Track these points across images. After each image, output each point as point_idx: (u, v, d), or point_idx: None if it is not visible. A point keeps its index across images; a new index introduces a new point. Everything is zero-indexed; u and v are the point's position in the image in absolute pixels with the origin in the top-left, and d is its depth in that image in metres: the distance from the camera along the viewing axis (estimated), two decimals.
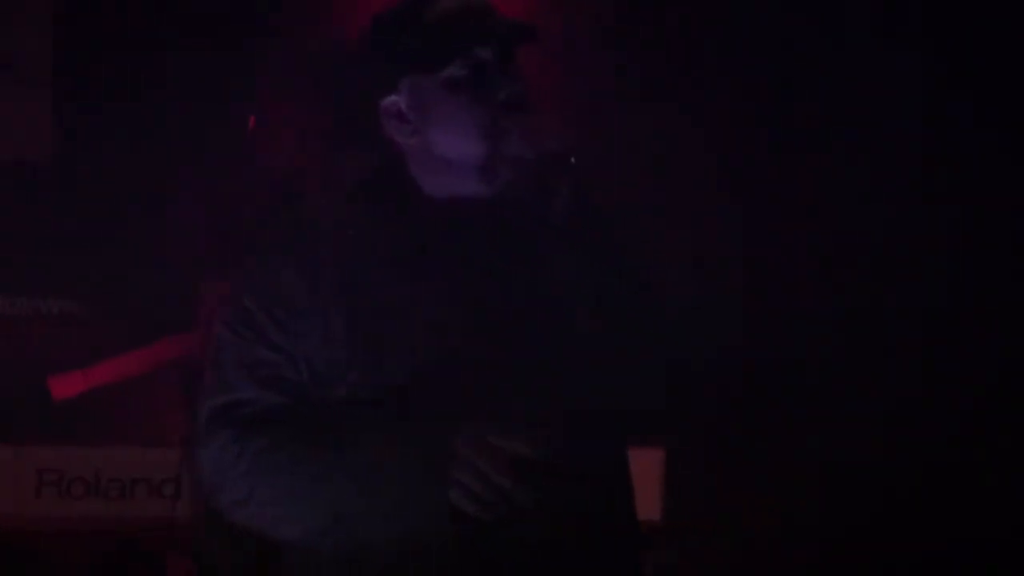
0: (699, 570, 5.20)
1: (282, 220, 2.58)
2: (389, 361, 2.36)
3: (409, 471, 2.29)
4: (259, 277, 2.45)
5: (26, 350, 5.24)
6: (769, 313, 5.48)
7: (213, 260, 4.67)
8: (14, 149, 5.80)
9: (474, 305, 2.39)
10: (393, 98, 2.44)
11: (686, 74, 5.66)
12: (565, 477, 2.32)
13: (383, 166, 2.52)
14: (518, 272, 2.41)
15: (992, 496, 5.28)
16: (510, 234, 2.43)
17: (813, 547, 5.36)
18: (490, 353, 2.37)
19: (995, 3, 5.53)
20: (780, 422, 5.39)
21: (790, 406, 5.42)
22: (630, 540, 2.48)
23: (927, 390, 5.37)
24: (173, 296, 5.07)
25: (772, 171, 5.65)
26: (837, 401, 5.44)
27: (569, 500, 2.35)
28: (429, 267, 2.41)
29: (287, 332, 2.40)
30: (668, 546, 4.90)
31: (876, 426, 5.35)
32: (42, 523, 4.97)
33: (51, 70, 5.79)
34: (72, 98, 5.78)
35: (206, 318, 4.55)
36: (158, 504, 4.89)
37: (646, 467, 4.71)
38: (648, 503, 4.11)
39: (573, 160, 2.38)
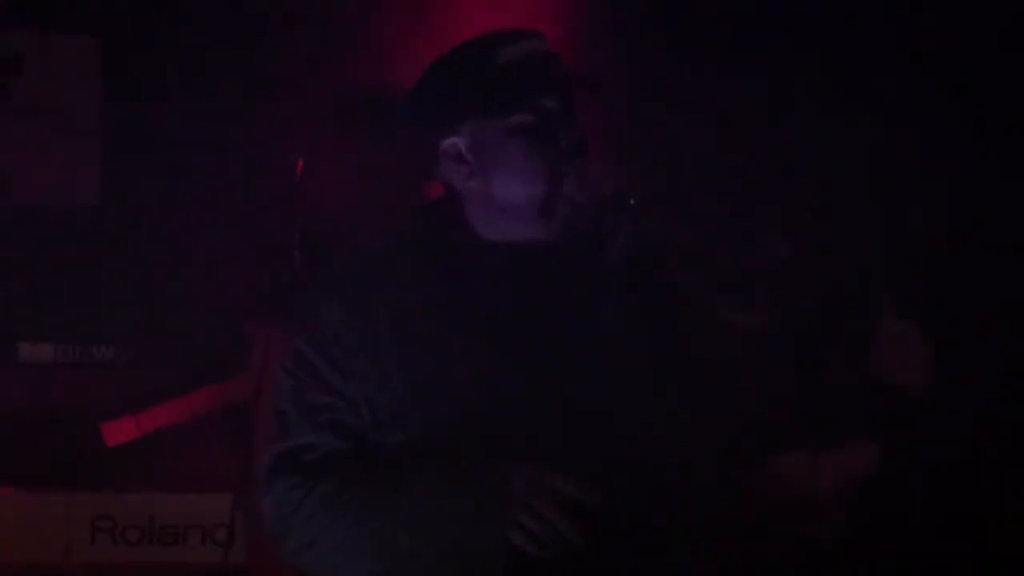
0: None
1: (336, 263, 2.58)
2: (445, 405, 2.37)
3: (468, 512, 2.31)
4: (315, 321, 2.46)
5: (77, 397, 5.25)
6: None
7: (261, 304, 4.68)
8: (62, 196, 5.84)
9: (529, 349, 2.39)
10: (453, 140, 2.46)
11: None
12: (618, 517, 2.33)
13: (437, 209, 2.53)
14: (574, 316, 2.42)
15: None
16: (566, 278, 2.44)
17: None
18: (545, 396, 2.37)
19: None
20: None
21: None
22: None
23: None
24: (223, 340, 5.08)
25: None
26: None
27: (622, 540, 2.35)
28: (484, 312, 2.42)
29: (344, 376, 2.42)
30: None
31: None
32: (96, 570, 4.98)
33: (100, 118, 5.84)
34: (120, 146, 5.81)
35: (256, 362, 4.56)
36: (211, 550, 4.89)
37: None
38: None
39: (632, 202, 2.39)
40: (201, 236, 5.61)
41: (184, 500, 5.04)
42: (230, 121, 5.66)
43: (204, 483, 5.03)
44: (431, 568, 2.33)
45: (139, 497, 5.04)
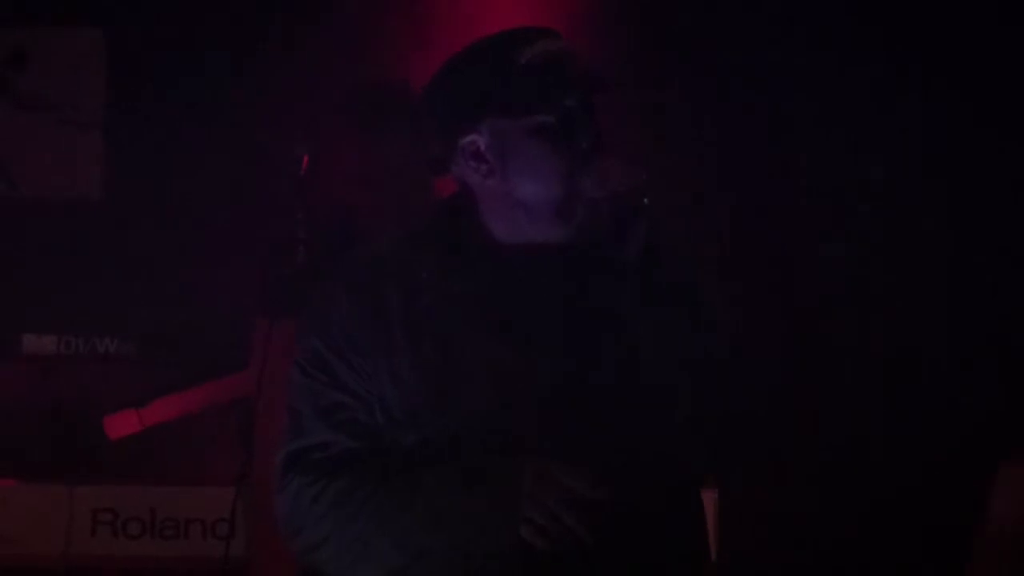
0: None
1: (349, 261, 2.58)
2: (459, 404, 2.39)
3: (480, 509, 2.33)
4: (328, 319, 2.47)
5: (79, 390, 5.25)
6: (816, 351, 5.47)
7: (266, 299, 4.67)
8: (66, 189, 5.85)
9: (543, 348, 2.41)
10: (472, 138, 2.46)
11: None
12: (629, 515, 2.35)
13: (451, 206, 2.54)
14: (589, 315, 2.43)
15: None
16: (581, 277, 2.45)
17: None
18: (559, 394, 2.39)
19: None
20: (832, 461, 5.37)
21: (841, 444, 5.40)
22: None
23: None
24: (226, 335, 5.08)
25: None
26: (891, 441, 5.42)
27: (633, 537, 2.38)
28: (498, 310, 2.43)
29: (358, 374, 2.43)
30: None
31: (934, 468, 5.33)
32: (97, 563, 4.98)
33: (103, 111, 5.84)
34: (123, 138, 5.82)
35: (258, 357, 4.56)
36: (212, 544, 4.89)
37: None
38: None
39: (646, 201, 2.40)
40: (205, 230, 5.62)
41: (185, 493, 5.04)
42: (235, 115, 5.66)
43: (205, 477, 5.03)
44: (444, 565, 2.35)
45: (140, 490, 5.04)
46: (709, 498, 4.99)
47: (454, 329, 2.41)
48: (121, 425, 4.89)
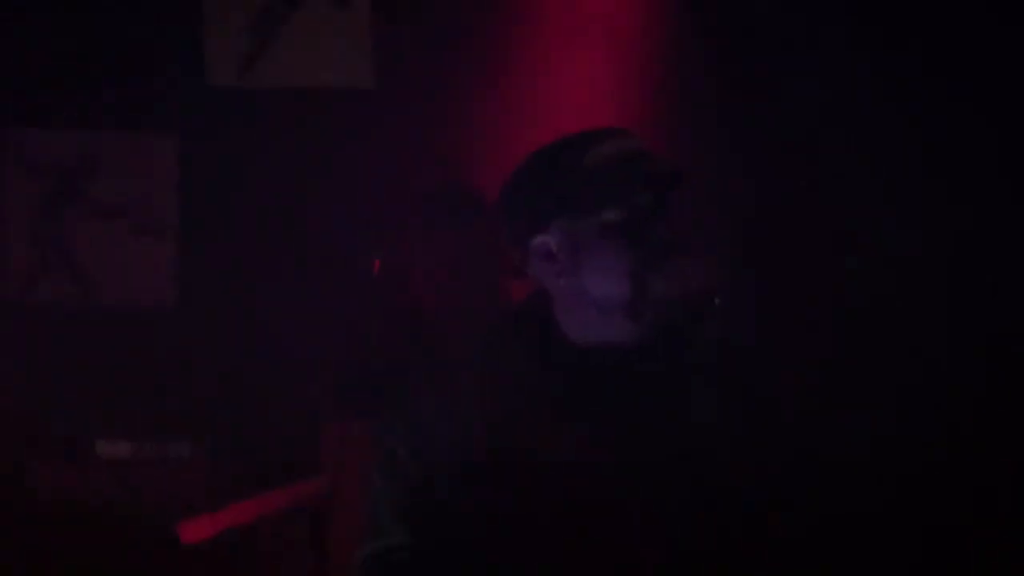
0: None
1: (426, 364, 2.60)
2: (533, 504, 2.38)
3: None
4: (408, 423, 2.48)
5: (152, 494, 5.27)
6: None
7: (338, 402, 4.69)
8: (139, 295, 5.89)
9: (616, 449, 2.40)
10: (543, 238, 2.47)
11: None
12: None
13: (526, 308, 2.54)
14: (661, 416, 2.43)
15: None
16: (654, 377, 2.44)
17: None
18: (636, 497, 2.38)
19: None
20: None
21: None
22: None
23: None
24: (298, 438, 5.09)
25: None
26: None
27: None
28: (573, 412, 2.43)
29: (438, 479, 2.43)
30: None
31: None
32: None
33: (176, 216, 5.88)
34: (195, 247, 5.86)
35: (329, 462, 4.56)
36: None
37: None
38: None
39: (718, 301, 2.39)
40: (278, 334, 5.64)
41: None
42: (307, 219, 5.70)
43: None
44: None
45: None
46: None
47: (528, 427, 2.42)
48: (195, 530, 4.89)
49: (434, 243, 4.70)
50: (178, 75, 5.82)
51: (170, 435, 5.39)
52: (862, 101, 5.61)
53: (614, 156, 2.46)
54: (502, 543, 2.40)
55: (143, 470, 5.34)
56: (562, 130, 2.56)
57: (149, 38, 5.79)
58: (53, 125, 5.91)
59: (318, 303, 5.61)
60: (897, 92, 5.59)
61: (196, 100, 5.83)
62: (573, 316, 2.48)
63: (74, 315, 5.85)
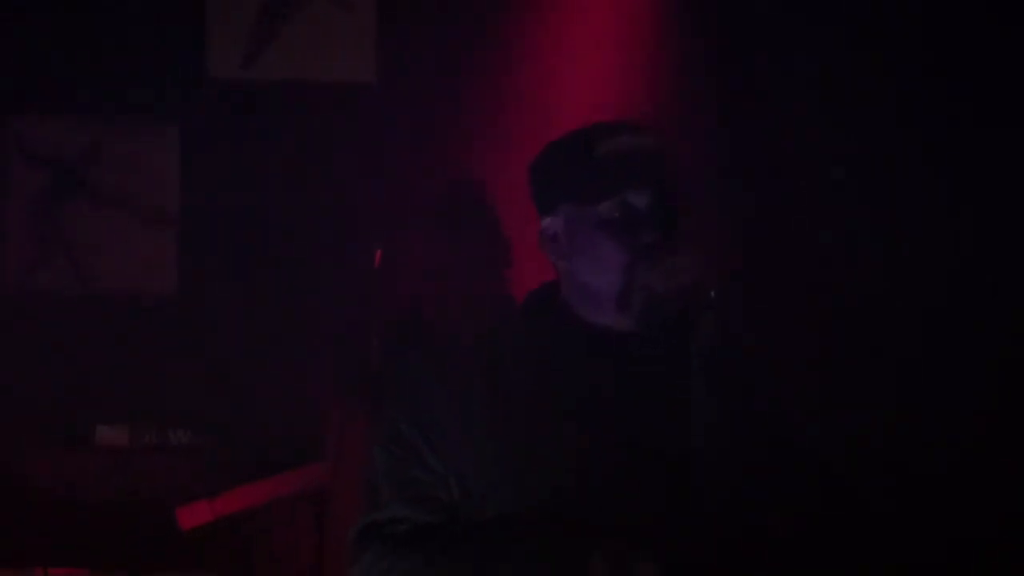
0: None
1: (435, 345, 2.63)
2: (535, 485, 2.42)
3: None
4: (413, 398, 2.52)
5: (151, 481, 5.28)
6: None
7: (338, 390, 4.70)
8: (139, 283, 5.89)
9: (618, 433, 2.45)
10: (551, 219, 2.55)
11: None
12: None
13: (541, 289, 2.61)
14: (657, 404, 2.47)
15: None
16: (651, 366, 2.49)
17: None
18: (633, 479, 2.42)
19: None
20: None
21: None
22: None
23: None
24: (298, 425, 5.10)
25: None
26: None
27: None
28: (575, 393, 2.47)
29: (440, 453, 2.47)
30: None
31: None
32: None
33: (177, 205, 5.89)
34: (196, 237, 5.87)
35: (331, 448, 4.57)
36: None
37: None
38: None
39: (713, 295, 2.42)
40: (278, 322, 5.66)
41: None
42: (308, 210, 5.72)
43: (278, 567, 5.03)
44: None
45: None
46: None
47: (533, 409, 2.46)
48: (193, 515, 4.91)
49: (435, 239, 4.72)
50: (180, 66, 5.84)
51: (169, 422, 5.40)
52: (861, 101, 5.63)
53: (620, 151, 2.51)
54: (500, 518, 2.42)
55: (143, 457, 5.35)
56: (563, 128, 2.62)
57: (152, 29, 5.81)
58: (54, 115, 5.92)
59: (317, 292, 5.63)
60: (897, 92, 5.62)
61: (198, 91, 5.84)
62: (574, 299, 2.54)
63: (74, 304, 5.84)
